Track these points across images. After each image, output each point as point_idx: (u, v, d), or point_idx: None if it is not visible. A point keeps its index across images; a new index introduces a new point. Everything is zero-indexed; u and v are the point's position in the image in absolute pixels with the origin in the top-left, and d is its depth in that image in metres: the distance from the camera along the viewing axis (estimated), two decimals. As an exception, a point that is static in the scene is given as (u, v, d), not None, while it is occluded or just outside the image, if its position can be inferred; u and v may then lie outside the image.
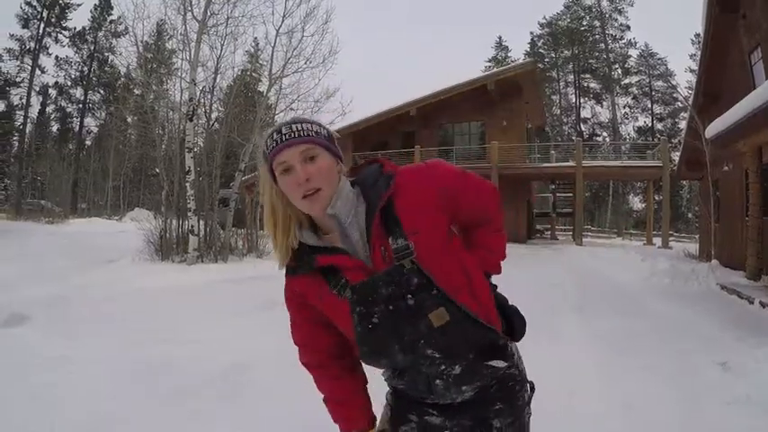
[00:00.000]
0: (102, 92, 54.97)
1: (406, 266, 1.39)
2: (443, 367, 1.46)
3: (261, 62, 28.04)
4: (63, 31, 52.27)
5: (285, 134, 1.42)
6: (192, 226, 13.85)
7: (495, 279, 1.66)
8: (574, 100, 62.25)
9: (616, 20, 60.78)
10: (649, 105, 59.25)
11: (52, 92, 54.32)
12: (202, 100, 16.88)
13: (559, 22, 62.74)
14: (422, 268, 1.40)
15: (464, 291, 1.46)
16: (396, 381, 1.59)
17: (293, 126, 1.43)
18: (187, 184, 14.20)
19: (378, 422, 1.72)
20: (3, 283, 9.33)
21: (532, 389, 1.66)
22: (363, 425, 1.69)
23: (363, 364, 1.63)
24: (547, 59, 62.39)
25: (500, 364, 1.53)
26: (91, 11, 54.25)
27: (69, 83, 54.63)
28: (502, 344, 1.54)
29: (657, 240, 25.03)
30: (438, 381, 1.49)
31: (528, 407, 1.64)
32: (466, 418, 1.57)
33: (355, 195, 1.49)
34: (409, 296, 1.40)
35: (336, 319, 1.53)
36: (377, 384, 1.74)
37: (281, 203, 1.49)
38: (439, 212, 1.48)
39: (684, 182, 42.00)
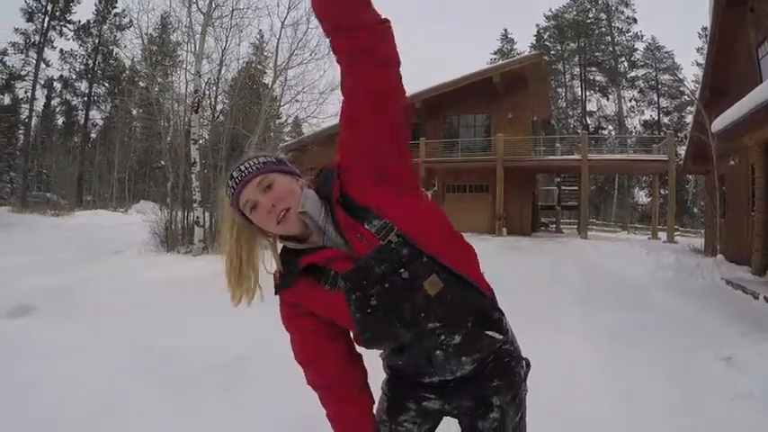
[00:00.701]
0: (107, 85, 54.93)
1: (392, 241, 1.43)
2: (443, 337, 1.49)
3: (266, 54, 28.05)
4: (67, 25, 52.20)
5: (237, 177, 1.52)
6: (198, 217, 13.87)
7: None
8: (579, 93, 62.08)
9: (622, 12, 60.52)
10: (656, 99, 59.04)
11: (57, 85, 54.38)
12: (207, 92, 16.91)
13: (565, 15, 62.44)
14: (407, 239, 1.43)
15: (446, 246, 1.52)
16: (395, 358, 1.60)
17: (241, 167, 1.52)
18: (192, 176, 14.24)
19: (376, 413, 1.74)
20: (8, 274, 9.38)
21: (528, 365, 1.70)
22: None
23: (365, 349, 1.63)
24: (553, 52, 62.10)
25: (497, 335, 1.58)
26: (95, 4, 54.14)
27: (74, 76, 54.63)
28: (497, 317, 1.60)
29: (663, 235, 25.05)
30: (438, 351, 1.51)
31: (524, 383, 1.68)
32: (465, 399, 1.61)
33: (319, 198, 1.53)
34: (402, 269, 1.43)
35: (334, 315, 1.54)
36: (376, 384, 1.75)
37: (244, 246, 1.59)
38: (373, 183, 1.50)
39: (690, 176, 41.87)
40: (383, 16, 1.45)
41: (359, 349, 1.68)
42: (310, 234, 1.52)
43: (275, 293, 1.61)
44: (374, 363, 1.75)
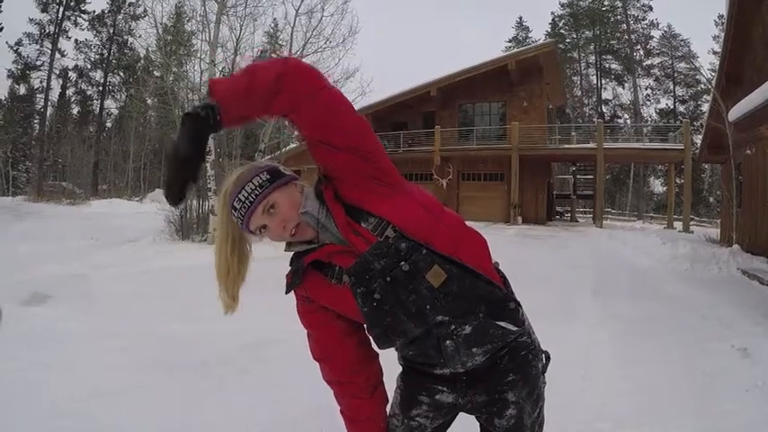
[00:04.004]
0: (121, 74, 55.06)
1: (390, 236, 1.43)
2: (453, 327, 1.48)
3: (280, 42, 27.99)
4: (82, 15, 52.41)
5: (240, 210, 1.53)
6: (213, 206, 13.86)
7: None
8: (595, 81, 61.53)
9: (638, 0, 59.90)
10: (671, 87, 58.43)
11: (72, 75, 54.64)
12: (222, 81, 16.88)
13: (581, 3, 61.76)
14: (404, 233, 1.43)
15: (439, 233, 1.49)
16: (407, 348, 1.59)
17: (240, 197, 1.53)
18: (207, 165, 14.24)
19: (389, 408, 1.75)
20: (25, 262, 9.47)
21: (548, 358, 1.67)
22: None
23: (384, 349, 1.62)
24: (568, 40, 61.64)
25: (511, 327, 1.53)
26: (110, -7, 54.41)
27: (89, 66, 54.88)
28: (512, 308, 1.56)
29: (678, 224, 24.84)
30: (448, 341, 1.49)
31: (543, 376, 1.65)
32: (479, 394, 1.59)
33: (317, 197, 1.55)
34: (402, 263, 1.43)
35: (345, 309, 1.56)
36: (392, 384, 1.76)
37: (237, 257, 1.64)
38: (362, 188, 1.49)
39: (706, 165, 41.54)
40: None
41: (375, 349, 1.68)
42: (313, 234, 1.55)
43: (286, 292, 1.64)
44: (390, 358, 1.75)
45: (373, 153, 1.47)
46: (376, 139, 1.52)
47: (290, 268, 1.62)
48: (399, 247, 1.43)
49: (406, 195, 1.52)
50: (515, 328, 1.54)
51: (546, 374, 1.65)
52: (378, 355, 1.73)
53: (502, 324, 1.52)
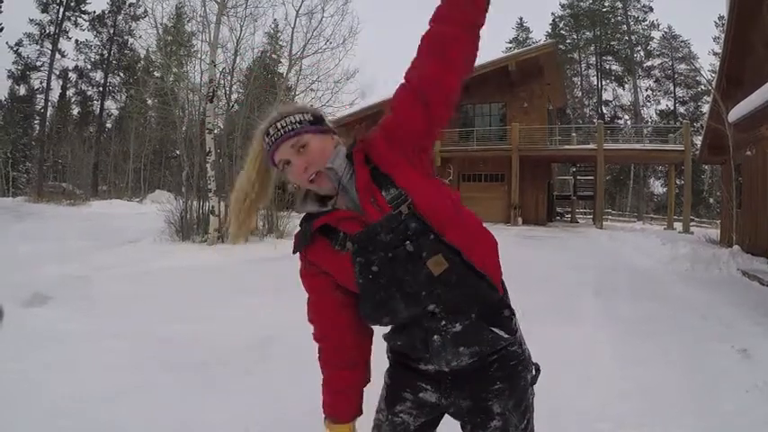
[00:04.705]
0: (122, 75, 55.10)
1: (403, 212, 1.43)
2: (444, 323, 1.48)
3: (281, 43, 28.10)
4: (82, 15, 52.47)
5: (273, 135, 1.56)
6: (213, 207, 13.90)
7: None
8: (595, 82, 61.61)
9: (638, 1, 59.91)
10: (672, 88, 58.51)
11: (72, 75, 54.78)
12: (222, 81, 16.93)
13: (581, 3, 61.86)
14: (418, 213, 1.43)
15: (455, 227, 1.48)
16: (395, 338, 1.60)
17: (278, 124, 1.56)
18: (207, 166, 14.25)
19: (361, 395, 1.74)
20: (25, 263, 9.46)
21: (538, 370, 1.66)
22: (343, 418, 1.71)
23: (370, 325, 1.64)
24: (568, 41, 61.72)
25: (503, 334, 1.53)
26: (110, -6, 54.46)
27: (89, 66, 54.98)
28: (506, 315, 1.56)
29: (678, 225, 24.86)
30: (436, 336, 1.49)
31: (531, 388, 1.64)
32: (463, 397, 1.58)
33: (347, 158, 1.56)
34: (407, 242, 1.42)
35: (343, 278, 1.55)
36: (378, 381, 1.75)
37: (259, 182, 1.66)
38: (406, 160, 1.51)
39: (706, 166, 41.57)
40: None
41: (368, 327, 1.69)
42: (333, 190, 1.55)
43: (293, 252, 1.65)
44: (379, 353, 1.75)
45: (440, 128, 1.53)
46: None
47: (299, 229, 1.62)
48: (409, 225, 1.42)
49: (433, 180, 1.55)
50: (506, 336, 1.54)
51: (535, 386, 1.64)
52: (371, 334, 1.72)
53: (494, 330, 1.52)
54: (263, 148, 1.61)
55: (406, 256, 1.43)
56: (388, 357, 1.73)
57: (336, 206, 1.54)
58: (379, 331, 1.66)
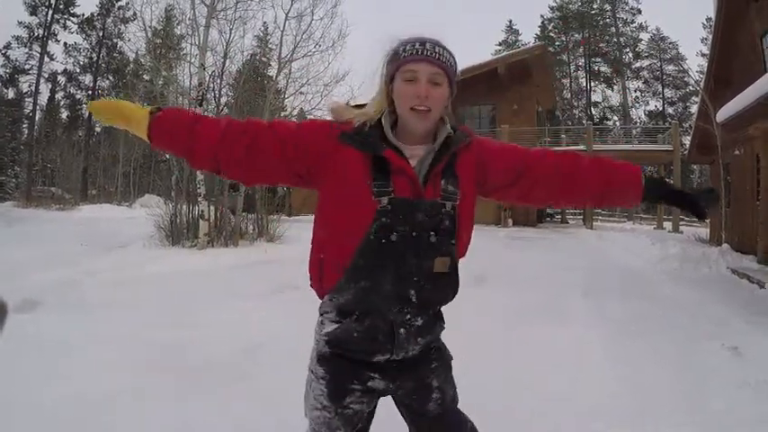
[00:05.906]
0: (111, 78, 54.78)
1: (446, 207, 1.53)
2: (409, 317, 1.58)
3: (270, 46, 28.03)
4: (71, 18, 52.29)
5: (428, 50, 1.53)
6: (203, 211, 13.83)
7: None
8: (584, 84, 61.85)
9: (626, 3, 60.30)
10: (660, 89, 58.82)
11: (61, 79, 54.47)
12: (212, 85, 16.83)
13: (570, 6, 62.14)
14: (455, 216, 1.55)
15: (465, 242, 1.67)
16: (350, 328, 1.60)
17: (436, 48, 1.55)
18: (197, 170, 14.18)
19: (312, 401, 1.74)
20: (14, 269, 9.38)
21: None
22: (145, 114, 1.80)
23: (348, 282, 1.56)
24: (557, 43, 61.91)
25: (443, 324, 1.77)
26: (99, -4, 54.21)
27: (78, 69, 54.70)
28: (441, 312, 1.76)
29: (668, 225, 24.96)
30: (402, 330, 1.59)
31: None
32: (408, 379, 1.70)
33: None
34: (433, 233, 1.51)
35: (341, 205, 1.55)
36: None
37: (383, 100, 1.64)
38: (476, 174, 1.67)
39: (695, 166, 41.77)
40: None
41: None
42: (408, 140, 1.59)
43: (339, 136, 1.57)
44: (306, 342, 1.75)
45: (497, 198, 1.84)
46: None
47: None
48: (444, 222, 1.53)
49: (474, 203, 1.68)
50: (444, 326, 1.77)
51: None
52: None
53: (442, 324, 1.76)
54: (390, 59, 1.59)
55: (426, 244, 1.51)
56: (323, 354, 1.69)
57: (410, 153, 1.57)
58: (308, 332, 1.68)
